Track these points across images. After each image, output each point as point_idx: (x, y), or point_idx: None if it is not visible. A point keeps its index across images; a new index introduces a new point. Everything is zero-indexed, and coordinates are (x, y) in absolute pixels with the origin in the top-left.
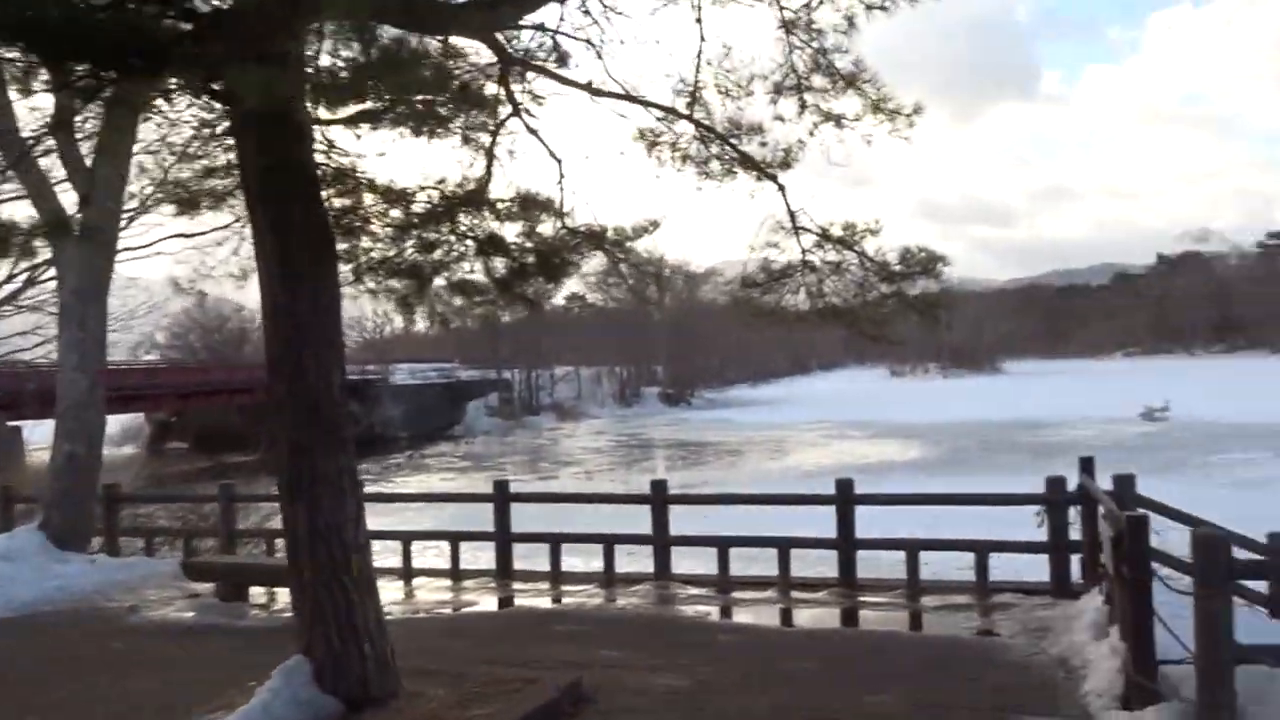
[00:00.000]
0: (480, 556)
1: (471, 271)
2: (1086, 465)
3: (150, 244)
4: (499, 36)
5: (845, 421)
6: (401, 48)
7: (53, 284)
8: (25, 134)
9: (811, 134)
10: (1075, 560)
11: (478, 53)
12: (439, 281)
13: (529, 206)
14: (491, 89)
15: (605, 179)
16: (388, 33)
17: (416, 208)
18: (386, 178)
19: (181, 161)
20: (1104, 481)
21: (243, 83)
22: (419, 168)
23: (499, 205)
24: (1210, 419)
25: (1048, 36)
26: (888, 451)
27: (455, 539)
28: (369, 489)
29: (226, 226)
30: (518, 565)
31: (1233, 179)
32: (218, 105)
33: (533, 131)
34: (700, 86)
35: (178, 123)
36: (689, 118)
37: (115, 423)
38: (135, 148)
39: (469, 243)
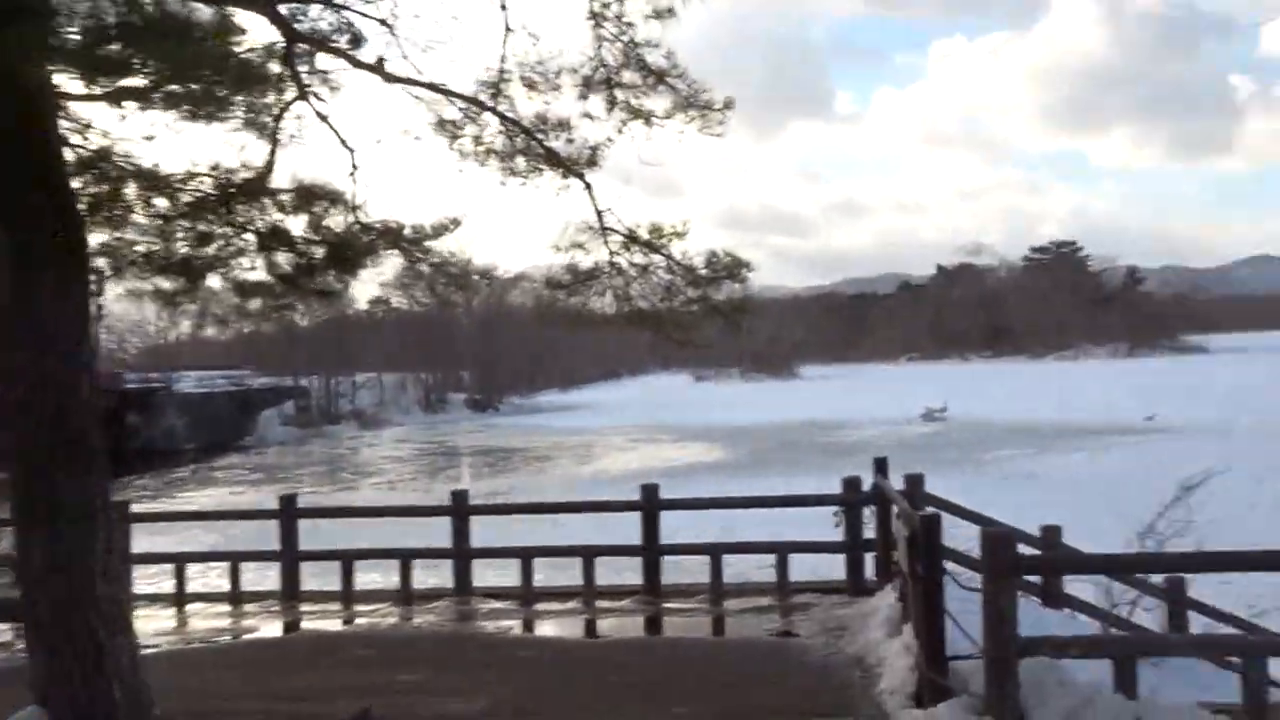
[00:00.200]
0: (268, 577)
1: (253, 268)
2: (881, 466)
3: None
4: (282, 10)
5: (653, 425)
6: (169, 13)
7: None
8: None
9: (620, 131)
10: (870, 558)
11: (260, 28)
12: (215, 280)
13: (314, 197)
14: (276, 69)
15: (407, 174)
16: None
17: (186, 196)
18: (155, 163)
19: None
20: (895, 480)
21: None
22: (196, 155)
23: (282, 196)
24: (982, 419)
25: (841, 60)
26: (694, 454)
27: (236, 559)
28: (143, 507)
29: None
30: (308, 585)
31: (1002, 198)
32: None
33: (323, 118)
34: (505, 78)
35: None
36: (493, 110)
37: None
38: None
39: (248, 236)
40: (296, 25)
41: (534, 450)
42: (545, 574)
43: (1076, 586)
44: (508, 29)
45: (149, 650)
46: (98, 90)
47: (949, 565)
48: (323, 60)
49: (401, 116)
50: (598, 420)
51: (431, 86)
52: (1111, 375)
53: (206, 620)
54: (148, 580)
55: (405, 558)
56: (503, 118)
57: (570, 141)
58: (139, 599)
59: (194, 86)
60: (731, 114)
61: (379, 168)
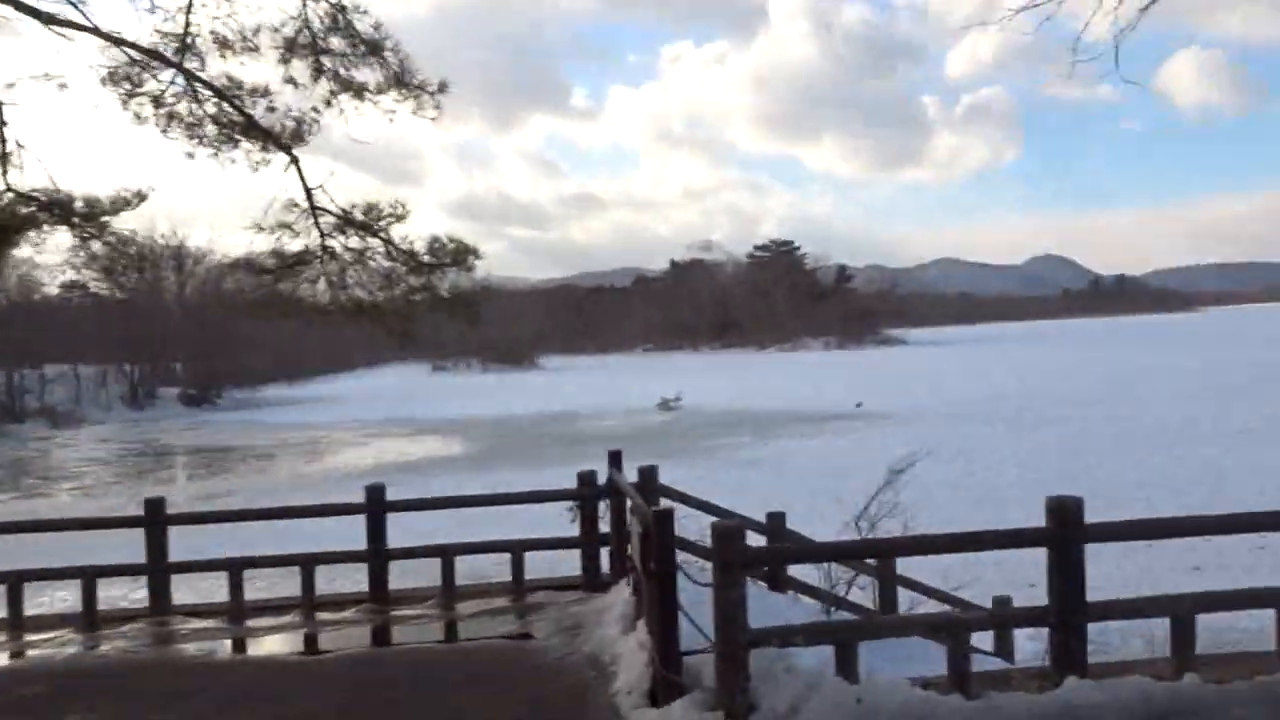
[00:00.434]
0: None
1: None
2: (615, 459)
3: None
4: None
5: (387, 419)
6: None
7: None
8: None
9: (329, 103)
10: (606, 553)
11: None
12: None
13: None
14: None
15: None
16: None
17: None
18: None
19: None
20: (630, 472)
21: None
22: None
23: None
24: (713, 407)
25: (577, 57)
26: (430, 448)
27: None
28: None
29: None
30: None
31: (728, 198)
32: None
33: None
34: (194, 32)
35: None
36: (178, 66)
37: None
38: None
39: None
40: None
41: (256, 449)
42: (260, 586)
43: (800, 569)
44: None
45: None
46: None
47: (683, 556)
48: None
49: (66, 67)
50: (328, 415)
51: (99, 33)
52: (825, 365)
53: None
54: None
55: (87, 576)
56: (190, 76)
57: (272, 110)
58: None
59: None
60: (445, 97)
61: (50, 131)
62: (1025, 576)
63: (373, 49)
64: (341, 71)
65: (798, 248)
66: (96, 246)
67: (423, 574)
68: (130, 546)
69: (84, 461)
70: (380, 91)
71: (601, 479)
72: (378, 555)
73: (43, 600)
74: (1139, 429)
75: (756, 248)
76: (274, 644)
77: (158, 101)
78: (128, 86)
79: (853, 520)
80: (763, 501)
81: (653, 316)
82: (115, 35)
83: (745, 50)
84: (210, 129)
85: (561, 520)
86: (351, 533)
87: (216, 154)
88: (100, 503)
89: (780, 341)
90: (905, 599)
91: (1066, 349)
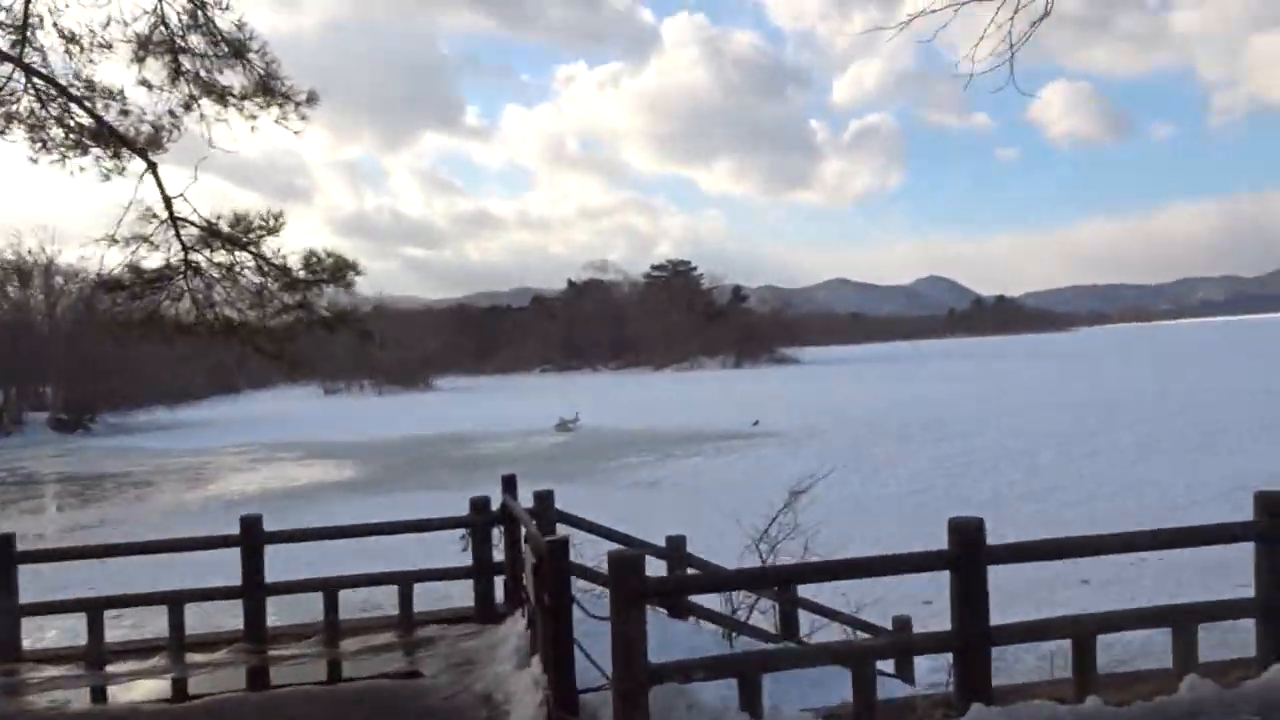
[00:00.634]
0: None
1: None
2: (509, 484)
3: None
4: None
5: (275, 443)
6: None
7: None
8: None
9: (189, 107)
10: (500, 582)
11: None
12: None
13: None
14: None
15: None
16: None
17: None
18: None
19: None
20: (525, 496)
21: None
22: None
23: None
24: (611, 428)
25: (470, 74)
26: (319, 473)
27: None
28: None
29: None
30: None
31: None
32: None
33: None
34: (34, 23)
35: None
36: (16, 60)
37: None
38: None
39: None
40: None
41: (132, 476)
42: (124, 628)
43: (701, 595)
44: None
45: None
46: None
47: (581, 584)
48: None
49: None
50: (214, 440)
51: None
52: (722, 384)
53: None
54: None
55: None
56: (30, 72)
57: (125, 114)
58: None
59: None
60: (321, 110)
61: None
62: (922, 592)
63: (236, 50)
64: (203, 74)
65: (694, 268)
66: None
67: (305, 609)
68: None
69: None
70: (245, 97)
71: (496, 504)
72: (254, 590)
73: None
74: (1032, 444)
75: (653, 268)
76: (137, 691)
77: None
78: None
79: (753, 543)
80: (662, 523)
81: (551, 337)
82: None
83: (639, 73)
84: (56, 132)
85: (451, 547)
86: (236, 565)
87: (63, 160)
88: None
89: (677, 361)
90: (807, 621)
91: (958, 365)
